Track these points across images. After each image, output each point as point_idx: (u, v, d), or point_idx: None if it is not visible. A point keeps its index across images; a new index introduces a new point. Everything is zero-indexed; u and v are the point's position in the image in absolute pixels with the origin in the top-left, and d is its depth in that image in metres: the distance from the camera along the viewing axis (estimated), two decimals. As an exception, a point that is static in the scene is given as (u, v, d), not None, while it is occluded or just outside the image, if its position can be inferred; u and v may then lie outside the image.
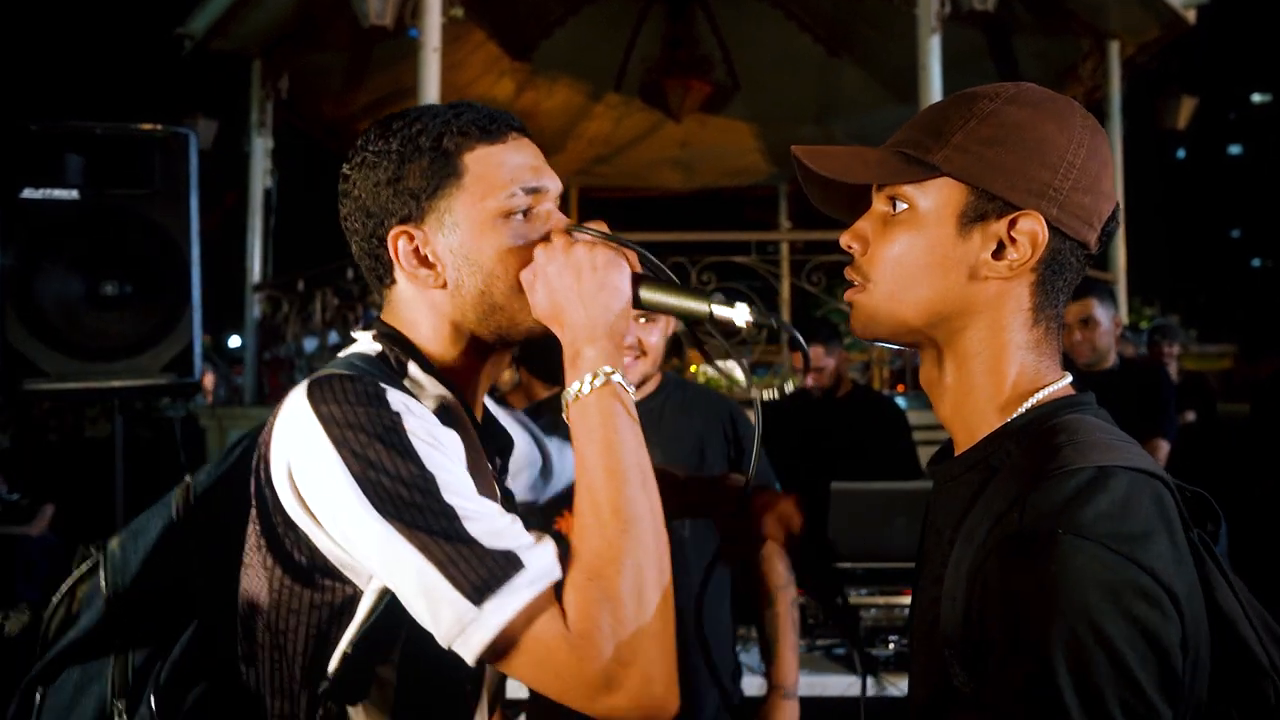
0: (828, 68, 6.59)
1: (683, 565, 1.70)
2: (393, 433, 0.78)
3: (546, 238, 0.89)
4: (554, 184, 0.92)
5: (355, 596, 0.81)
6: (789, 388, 1.10)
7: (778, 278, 6.66)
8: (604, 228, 0.91)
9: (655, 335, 1.66)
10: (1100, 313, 2.90)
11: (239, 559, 0.86)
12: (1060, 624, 0.64)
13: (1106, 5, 5.10)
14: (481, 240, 0.87)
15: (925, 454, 4.01)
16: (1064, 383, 0.80)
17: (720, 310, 0.86)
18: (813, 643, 2.33)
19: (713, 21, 6.44)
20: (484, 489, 0.83)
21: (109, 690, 0.89)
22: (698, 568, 1.73)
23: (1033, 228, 0.76)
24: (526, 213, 0.89)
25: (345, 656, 0.81)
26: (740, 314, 0.86)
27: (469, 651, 0.74)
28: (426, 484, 0.76)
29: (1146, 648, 0.64)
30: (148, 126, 2.13)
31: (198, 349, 2.16)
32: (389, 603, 0.80)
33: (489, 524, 0.77)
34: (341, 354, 0.92)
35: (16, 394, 2.06)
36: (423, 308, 0.90)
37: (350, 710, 0.83)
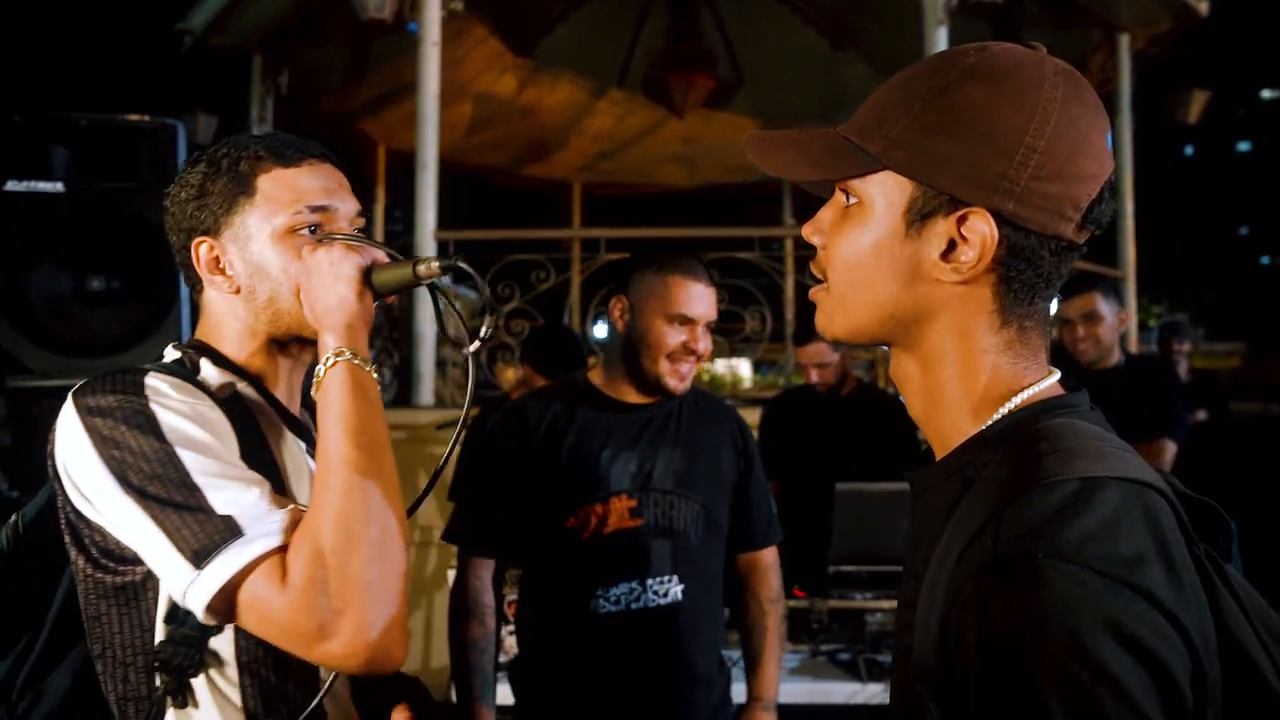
0: (833, 62, 6.52)
1: (696, 571, 1.68)
2: (139, 414, 0.86)
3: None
4: (345, 205, 1.02)
5: (151, 574, 0.88)
6: (483, 334, 1.06)
7: (782, 274, 6.61)
8: (346, 229, 1.01)
9: (705, 341, 1.66)
10: (1104, 307, 2.82)
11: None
12: (1052, 663, 0.56)
13: (1117, -3, 5.03)
14: (269, 253, 0.98)
15: (932, 453, 3.95)
16: (1048, 382, 0.72)
17: (420, 268, 0.97)
18: (816, 649, 2.28)
19: (717, 16, 6.38)
20: (282, 464, 0.97)
21: None
22: (706, 573, 1.72)
23: (981, 228, 0.68)
24: (314, 230, 0.99)
25: (167, 630, 0.88)
26: (429, 265, 0.97)
27: (196, 609, 0.81)
28: (168, 457, 0.84)
29: (1153, 684, 0.56)
30: (134, 118, 2.09)
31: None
32: None
33: (226, 493, 0.83)
34: None
35: (2, 391, 2.02)
36: (223, 312, 1.01)
37: (192, 682, 0.90)
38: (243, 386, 1.00)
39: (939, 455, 0.75)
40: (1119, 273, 5.38)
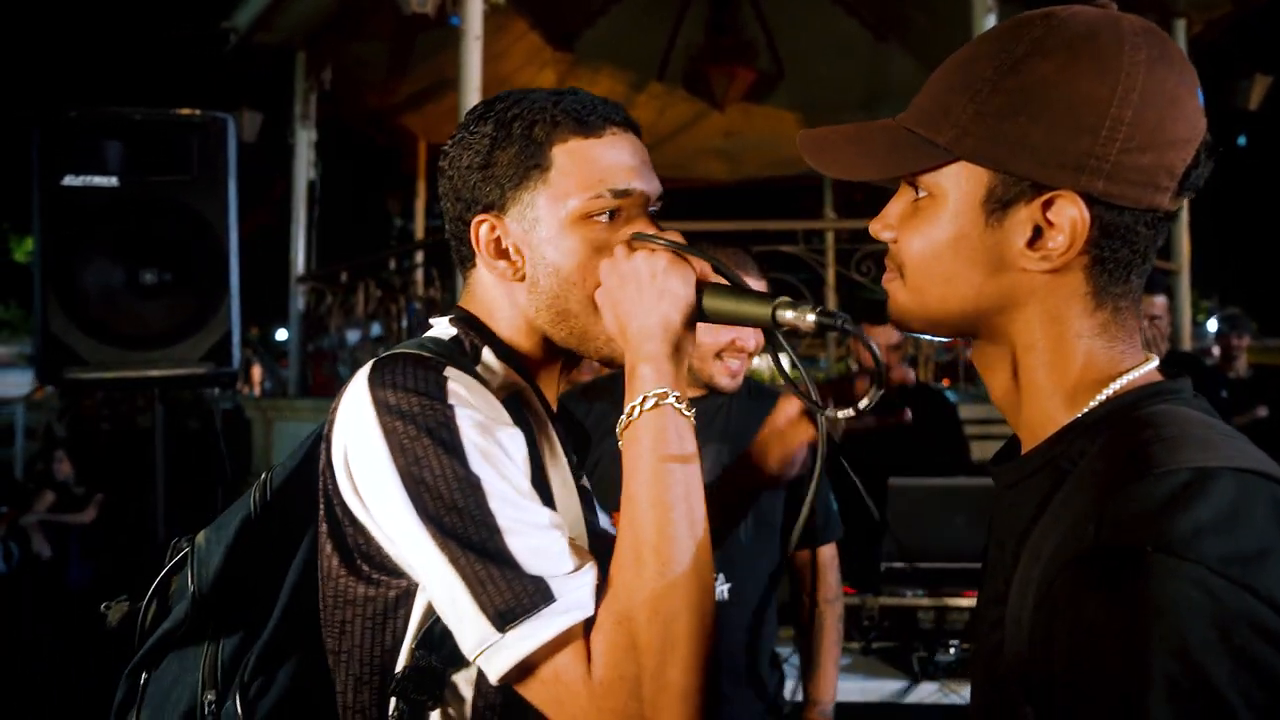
0: (876, 53, 6.43)
1: (745, 570, 1.65)
2: (444, 428, 0.74)
3: (611, 249, 0.84)
4: (649, 186, 0.86)
5: (410, 592, 0.78)
6: (863, 405, 1.03)
7: (824, 266, 6.53)
8: (677, 237, 0.86)
9: (756, 336, 1.62)
10: (1164, 307, 2.82)
11: (314, 549, 0.84)
12: (1153, 667, 0.52)
13: (1173, -19, 4.88)
14: (560, 241, 0.84)
15: (976, 448, 3.87)
16: (1148, 367, 0.68)
17: (784, 314, 0.79)
18: (867, 645, 2.24)
19: (757, 8, 6.31)
20: (553, 487, 0.81)
21: (200, 682, 0.88)
22: (756, 572, 1.68)
23: (1071, 212, 0.64)
24: (613, 216, 0.84)
25: (413, 654, 0.77)
26: (804, 316, 0.79)
27: (490, 673, 0.72)
28: (471, 488, 0.72)
29: (1265, 698, 0.51)
30: (186, 112, 2.11)
31: (236, 338, 2.13)
32: None
33: (531, 539, 0.72)
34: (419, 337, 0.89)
35: (58, 381, 2.06)
36: (500, 297, 0.88)
37: (430, 713, 0.78)
38: (523, 385, 0.87)
39: (1027, 446, 0.71)
40: (1173, 265, 5.23)
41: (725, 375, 1.61)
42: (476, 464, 0.73)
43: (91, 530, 5.30)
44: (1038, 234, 0.65)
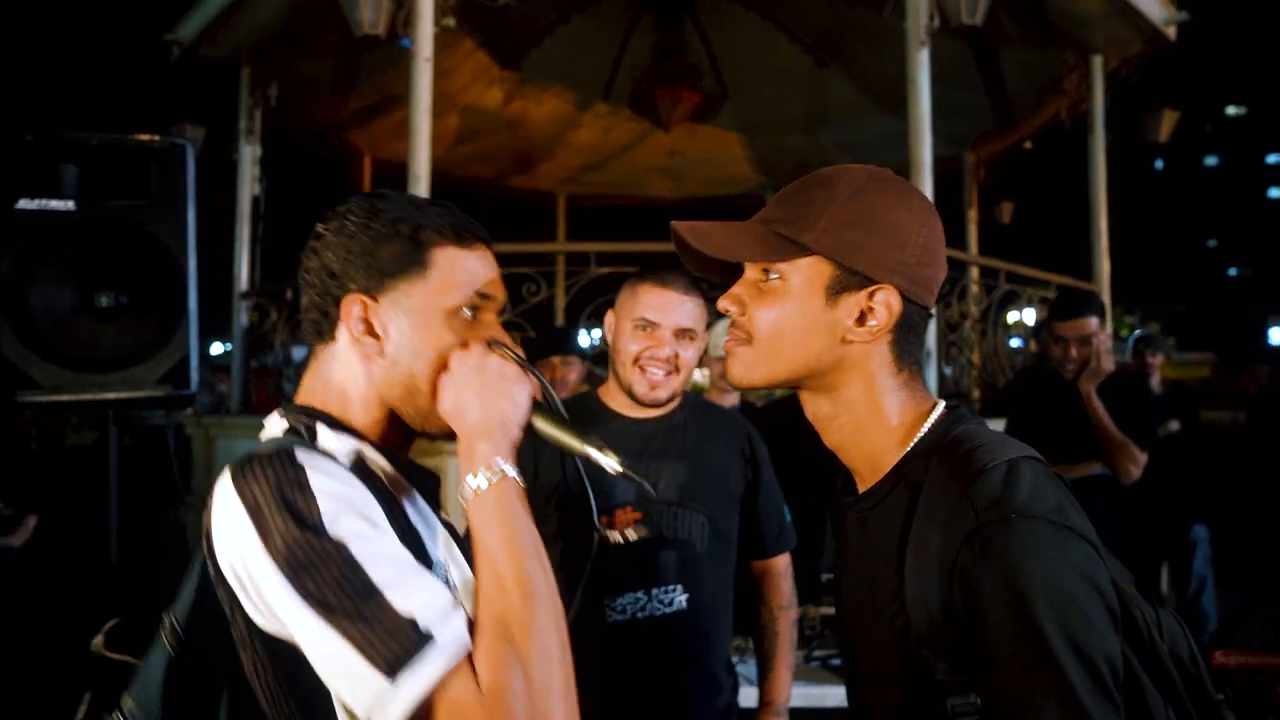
0: (817, 78, 6.63)
1: (702, 581, 1.72)
2: (307, 508, 0.82)
3: (466, 344, 0.97)
4: (499, 296, 1.02)
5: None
6: (631, 535, 1.27)
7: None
8: (520, 351, 1.01)
9: (690, 351, 1.69)
10: (1097, 330, 2.96)
11: (238, 677, 0.88)
12: (1039, 590, 0.77)
13: (1091, 20, 5.17)
14: (427, 329, 0.96)
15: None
16: (941, 406, 0.95)
17: (596, 456, 0.96)
18: (810, 653, 2.34)
19: (702, 32, 6.47)
20: (420, 536, 0.93)
21: None
22: (713, 582, 1.76)
23: (888, 299, 0.91)
24: (474, 314, 0.98)
25: None
26: (609, 464, 0.96)
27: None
28: (343, 559, 0.80)
29: (1097, 593, 0.79)
30: (145, 137, 2.12)
31: (194, 361, 2.15)
32: None
33: (405, 591, 0.80)
34: (260, 438, 0.97)
35: (10, 405, 2.04)
36: (354, 371, 0.98)
37: None
38: (367, 450, 0.96)
39: (865, 478, 0.95)
40: (1093, 285, 5.52)
41: (642, 385, 1.67)
42: (342, 533, 0.81)
43: (23, 554, 5.13)
44: (862, 315, 0.91)
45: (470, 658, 0.80)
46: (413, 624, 0.78)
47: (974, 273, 5.38)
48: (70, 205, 2.03)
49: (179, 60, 5.30)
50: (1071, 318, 2.98)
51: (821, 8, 5.99)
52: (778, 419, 3.35)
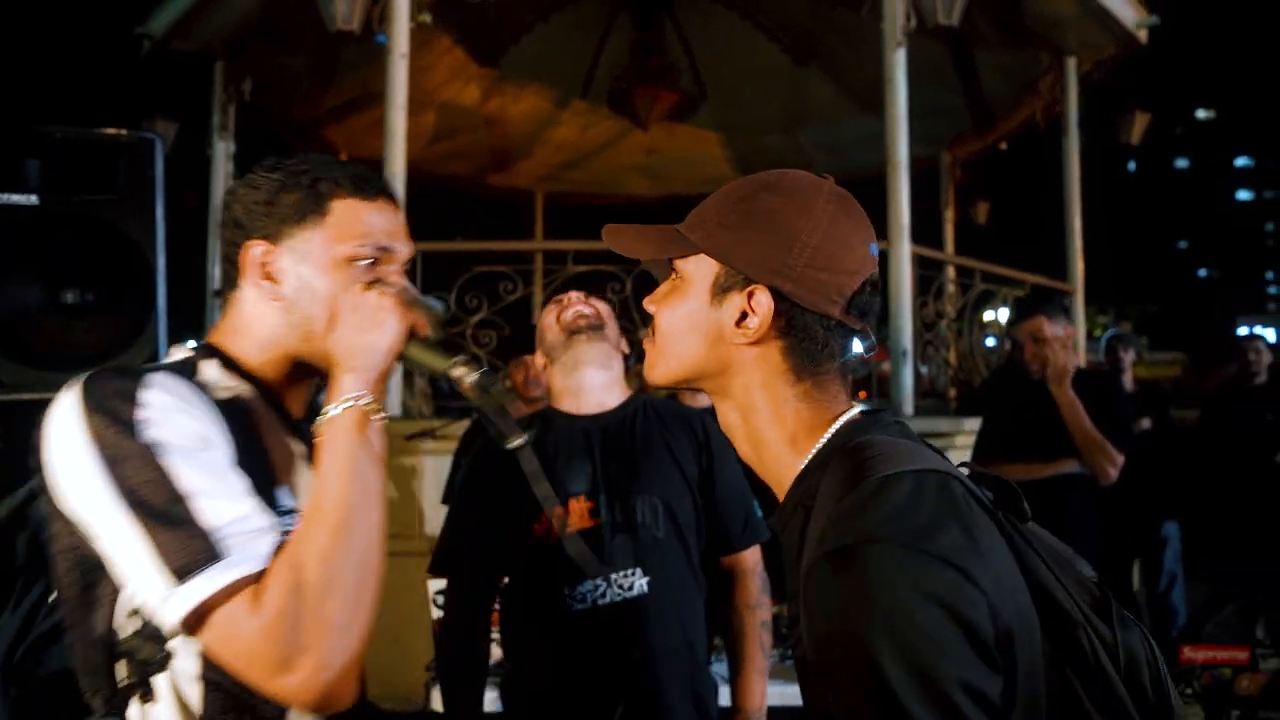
0: (795, 78, 6.66)
1: (661, 565, 1.70)
2: (126, 414, 0.86)
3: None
4: (402, 250, 1.04)
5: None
6: (519, 442, 1.21)
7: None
8: (412, 290, 1.03)
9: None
10: (1049, 329, 2.98)
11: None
12: (878, 624, 0.70)
13: (1065, 23, 5.23)
14: (323, 275, 1.00)
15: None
16: (852, 413, 0.90)
17: (455, 372, 0.99)
18: (785, 652, 2.34)
19: (680, 30, 6.47)
20: (254, 463, 0.93)
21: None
22: (672, 567, 1.73)
23: (764, 300, 0.87)
24: (372, 266, 1.01)
25: (137, 623, 0.88)
26: (468, 377, 0.99)
27: (168, 622, 0.83)
28: (152, 461, 0.84)
29: (955, 625, 0.71)
30: (111, 131, 2.08)
31: (162, 358, 2.11)
32: None
33: (213, 504, 0.84)
34: None
35: (-27, 405, 2.00)
36: (255, 315, 1.02)
37: (155, 679, 0.89)
38: (245, 390, 1.00)
39: (778, 493, 0.91)
40: (1068, 285, 5.58)
41: (562, 320, 1.79)
42: (166, 441, 0.86)
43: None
44: (743, 316, 0.89)
45: (261, 583, 0.83)
46: (209, 535, 0.82)
47: (950, 272, 5.42)
48: (34, 200, 1.99)
49: (150, 54, 5.22)
50: (1023, 318, 3.05)
51: (800, 8, 6.01)
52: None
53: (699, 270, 0.91)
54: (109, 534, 0.84)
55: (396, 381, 4.26)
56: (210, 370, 0.99)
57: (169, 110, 5.61)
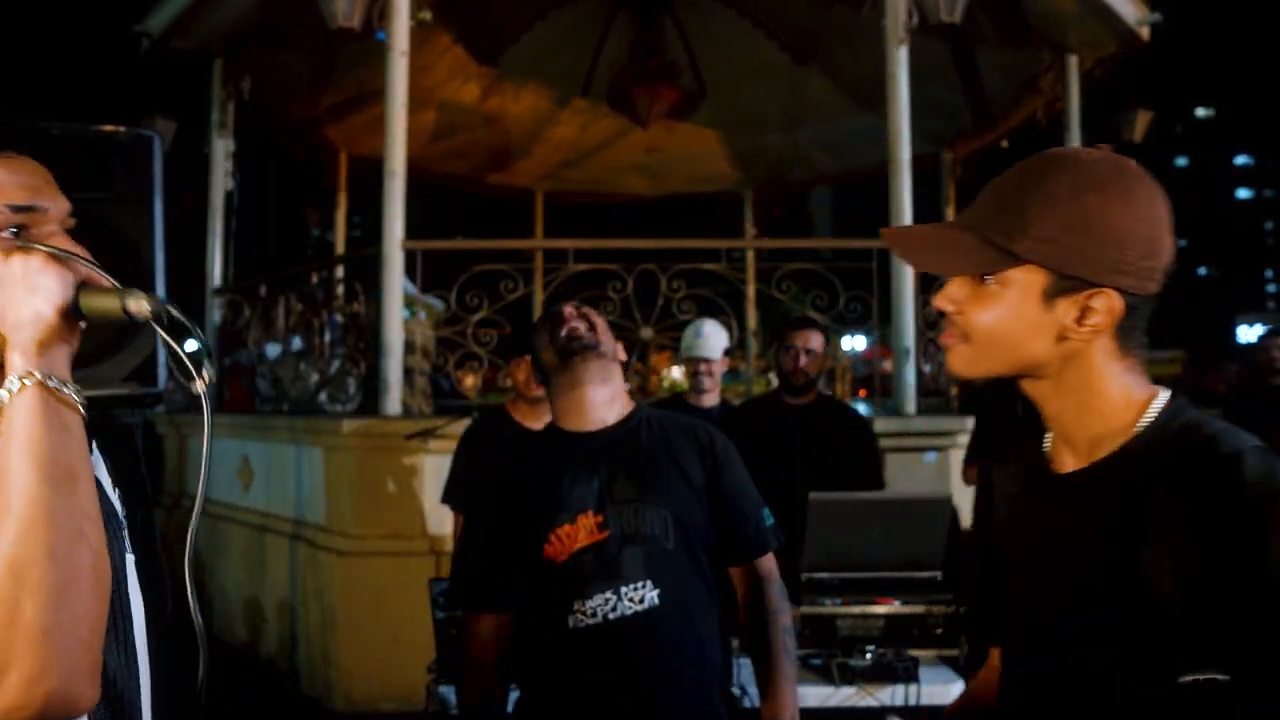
0: (795, 76, 6.64)
1: (672, 575, 1.66)
2: None
3: None
4: (55, 205, 0.92)
5: None
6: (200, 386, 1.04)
7: (745, 283, 6.69)
8: (71, 247, 0.92)
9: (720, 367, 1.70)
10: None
11: None
12: None
13: (1066, 20, 5.21)
14: None
15: (891, 460, 4.04)
16: (1165, 394, 0.96)
17: (130, 304, 0.90)
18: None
19: (680, 29, 6.46)
20: None
21: None
22: (683, 576, 1.70)
23: (1109, 302, 0.91)
24: (19, 231, 0.89)
25: None
26: (141, 303, 0.90)
27: None
28: None
29: None
30: (109, 128, 2.06)
31: (161, 358, 2.09)
32: None
33: None
34: None
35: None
36: None
37: None
38: None
39: (1080, 455, 0.96)
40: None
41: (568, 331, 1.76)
42: None
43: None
44: (1082, 313, 0.92)
45: None
46: None
47: (951, 271, 5.40)
48: (31, 198, 1.97)
49: (149, 52, 5.21)
50: None
51: (800, 6, 6.00)
52: (756, 418, 3.35)
53: (1023, 279, 0.93)
54: None
55: (396, 380, 4.25)
56: None
57: (167, 109, 5.59)
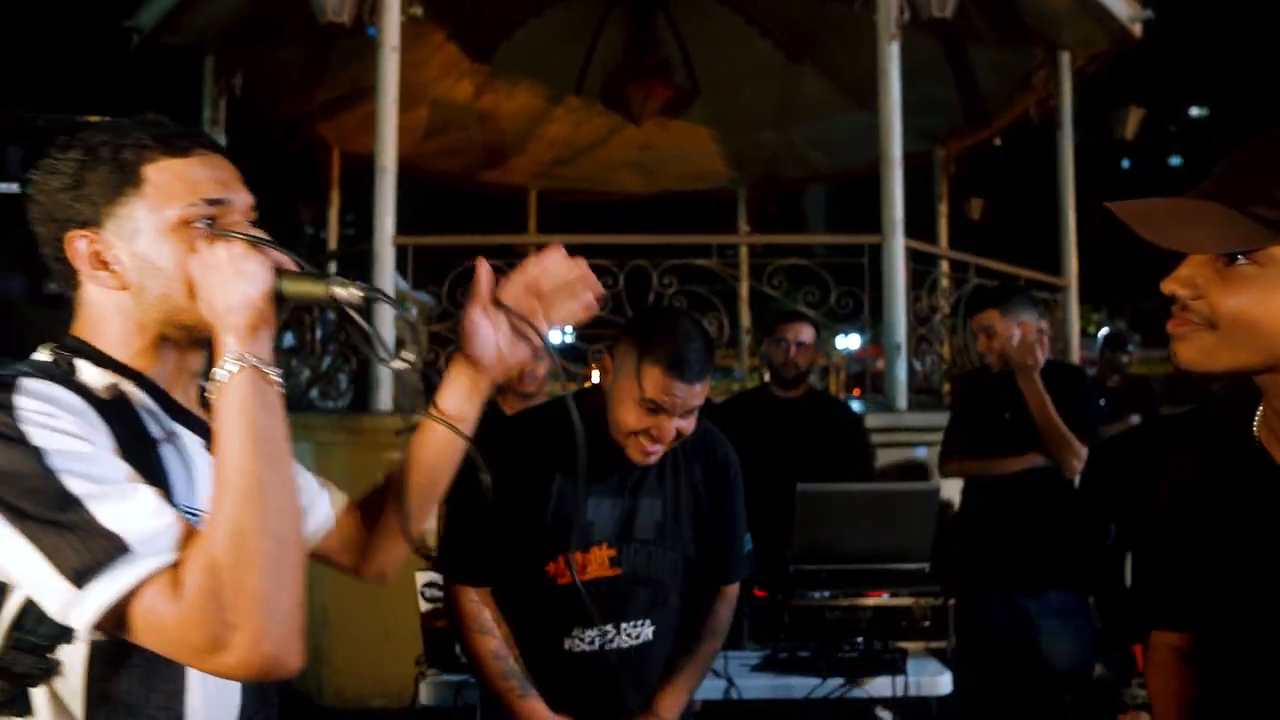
0: (788, 73, 6.64)
1: (666, 606, 1.72)
2: (12, 427, 0.81)
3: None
4: (239, 198, 0.97)
5: (2, 587, 0.85)
6: (410, 358, 1.10)
7: (737, 280, 6.68)
8: (256, 232, 0.96)
9: (691, 420, 1.62)
10: (1003, 324, 2.91)
11: None
12: None
13: (1059, 17, 5.21)
14: (161, 246, 0.93)
15: (883, 456, 4.04)
16: None
17: (337, 291, 0.93)
18: (777, 644, 2.33)
19: (674, 26, 6.45)
20: (147, 462, 0.89)
21: None
22: (673, 605, 1.76)
23: None
24: (212, 223, 0.94)
25: (11, 638, 0.85)
26: (350, 288, 0.93)
27: (79, 626, 0.80)
28: (42, 469, 0.80)
29: None
30: (94, 119, 2.06)
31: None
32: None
33: (108, 503, 0.80)
34: None
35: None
36: (107, 308, 0.95)
37: (31, 692, 0.86)
38: (128, 386, 0.94)
39: None
40: (1061, 281, 5.57)
41: (637, 453, 1.60)
42: (46, 446, 0.81)
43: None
44: None
45: (178, 570, 0.80)
46: (111, 534, 0.79)
47: (944, 266, 5.41)
48: (14, 188, 1.97)
49: (139, 48, 5.19)
50: (976, 311, 3.01)
51: (794, 3, 6.00)
52: (739, 415, 3.35)
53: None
54: (2, 552, 0.80)
55: (386, 377, 4.24)
56: (88, 370, 0.93)
57: (159, 105, 5.55)
